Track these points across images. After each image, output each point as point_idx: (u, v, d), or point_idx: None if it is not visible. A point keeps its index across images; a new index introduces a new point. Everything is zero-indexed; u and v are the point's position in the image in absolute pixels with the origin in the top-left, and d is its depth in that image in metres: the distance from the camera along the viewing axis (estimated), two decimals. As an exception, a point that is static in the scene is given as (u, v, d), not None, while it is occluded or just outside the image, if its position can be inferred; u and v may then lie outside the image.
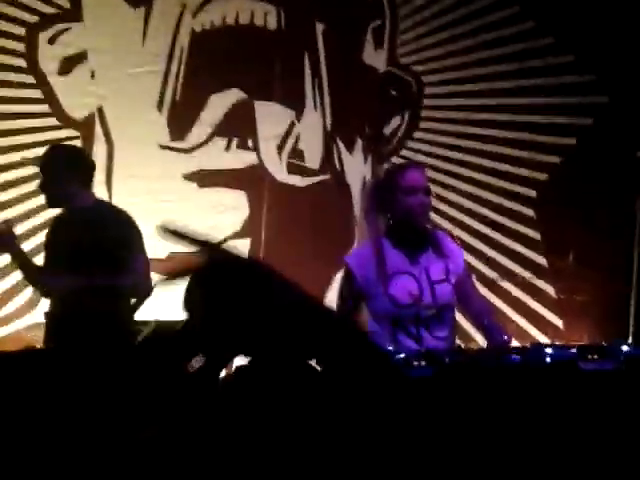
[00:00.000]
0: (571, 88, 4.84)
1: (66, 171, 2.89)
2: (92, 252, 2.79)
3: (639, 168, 4.99)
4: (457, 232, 4.51)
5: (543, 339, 4.84)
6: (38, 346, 2.97)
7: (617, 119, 4.96)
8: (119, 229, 2.88)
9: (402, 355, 2.39)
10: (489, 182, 4.71)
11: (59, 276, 2.88)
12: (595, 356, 2.59)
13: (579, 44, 4.80)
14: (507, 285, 4.73)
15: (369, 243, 2.64)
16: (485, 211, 4.71)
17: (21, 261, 2.94)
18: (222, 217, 4.07)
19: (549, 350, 2.59)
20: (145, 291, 2.87)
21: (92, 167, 3.02)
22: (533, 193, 4.78)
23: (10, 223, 2.96)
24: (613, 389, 2.78)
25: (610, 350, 2.86)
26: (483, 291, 4.51)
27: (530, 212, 4.79)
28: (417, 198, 2.54)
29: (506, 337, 2.68)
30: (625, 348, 2.83)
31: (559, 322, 4.88)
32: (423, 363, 2.46)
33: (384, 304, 2.57)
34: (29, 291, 3.49)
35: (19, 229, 3.24)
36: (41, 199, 3.38)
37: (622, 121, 4.98)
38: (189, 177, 4.00)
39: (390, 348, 2.48)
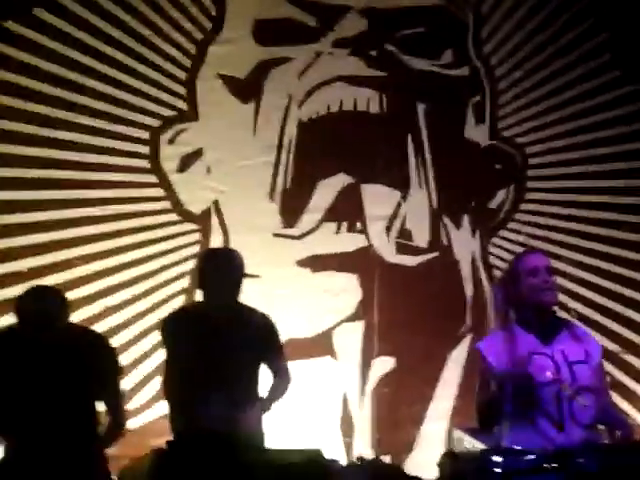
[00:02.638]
0: None
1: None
2: None
3: None
4: (573, 304, 4.31)
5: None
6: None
7: None
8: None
9: (532, 456, 2.21)
10: (602, 250, 4.50)
11: None
12: None
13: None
14: (631, 358, 4.47)
15: (500, 329, 2.58)
16: (601, 280, 4.47)
17: None
18: (335, 300, 4.04)
19: None
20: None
21: None
22: None
23: None
24: None
25: None
26: (606, 365, 4.28)
27: (647, 279, 4.56)
28: (540, 277, 2.51)
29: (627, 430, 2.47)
30: None
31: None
32: (554, 465, 2.20)
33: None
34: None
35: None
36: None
37: None
38: (302, 263, 4.00)
39: (519, 447, 2.32)
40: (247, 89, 3.98)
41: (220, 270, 2.78)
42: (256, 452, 2.42)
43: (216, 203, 3.95)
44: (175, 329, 2.82)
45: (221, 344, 2.71)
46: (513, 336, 2.50)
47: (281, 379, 2.88)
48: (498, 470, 2.18)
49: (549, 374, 2.45)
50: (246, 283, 3.95)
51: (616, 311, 4.45)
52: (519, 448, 2.33)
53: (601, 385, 2.60)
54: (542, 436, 2.43)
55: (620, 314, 4.46)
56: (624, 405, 4.39)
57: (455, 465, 2.33)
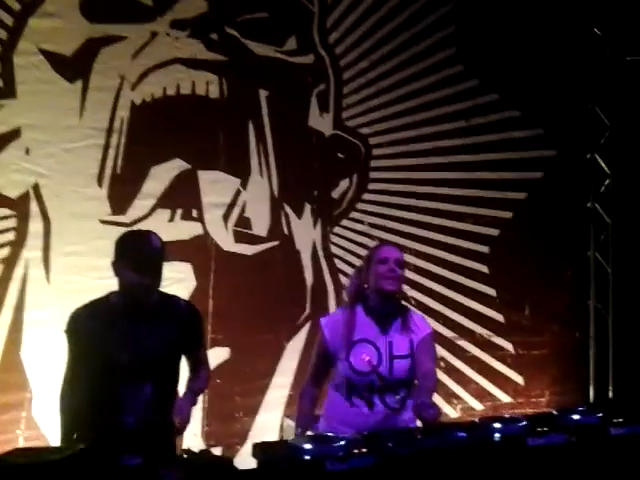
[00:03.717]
0: (519, 143, 4.67)
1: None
2: None
3: (590, 219, 4.96)
4: (411, 292, 4.37)
5: (503, 397, 4.70)
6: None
7: (566, 172, 4.89)
8: None
9: (343, 442, 2.24)
10: (441, 240, 4.48)
11: None
12: (545, 429, 2.47)
13: (524, 100, 4.75)
14: (465, 344, 4.58)
15: (344, 309, 2.78)
16: (438, 269, 4.52)
17: None
18: (168, 290, 3.87)
19: (497, 425, 2.43)
20: None
21: None
22: (486, 249, 4.56)
23: None
24: (562, 463, 2.64)
25: (560, 420, 2.54)
26: (440, 351, 4.38)
27: (484, 268, 4.62)
28: (387, 266, 2.68)
29: (431, 411, 2.52)
30: (576, 417, 2.53)
31: (519, 378, 4.68)
32: (364, 450, 2.27)
33: (344, 367, 2.66)
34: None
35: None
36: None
37: (571, 173, 4.93)
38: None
39: (331, 433, 2.38)
40: (73, 67, 3.64)
41: (142, 254, 2.45)
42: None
43: (36, 187, 3.61)
44: (89, 325, 2.48)
45: (144, 337, 2.48)
46: (353, 318, 2.69)
47: (204, 370, 2.70)
48: (308, 457, 2.16)
49: (368, 364, 2.61)
50: (68, 272, 3.81)
51: (452, 299, 4.54)
52: (330, 434, 2.35)
53: (425, 362, 2.69)
54: (354, 412, 2.66)
55: (456, 301, 4.57)
56: (457, 388, 4.54)
57: (266, 455, 2.32)
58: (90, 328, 2.47)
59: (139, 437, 2.45)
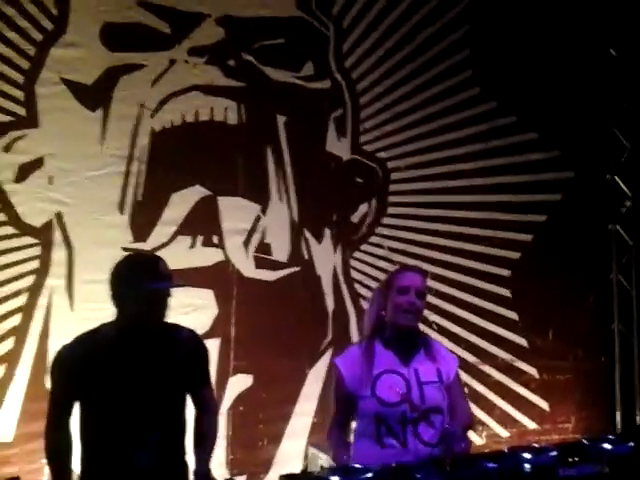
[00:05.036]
0: (537, 165, 4.65)
1: None
2: None
3: (611, 241, 4.96)
4: (433, 317, 4.39)
5: (529, 423, 4.67)
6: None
7: (585, 193, 4.91)
8: None
9: (370, 474, 2.17)
10: (461, 264, 4.44)
11: None
12: (576, 458, 2.38)
13: (541, 122, 4.75)
14: (488, 369, 4.54)
15: (360, 343, 2.61)
16: (459, 293, 4.50)
17: None
18: (191, 317, 3.87)
19: (527, 455, 2.35)
20: None
21: None
22: (507, 272, 4.56)
23: None
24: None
25: (592, 450, 2.47)
26: (463, 376, 4.37)
27: (506, 292, 4.57)
28: (408, 297, 2.52)
29: (463, 445, 2.48)
30: (607, 446, 2.44)
31: (544, 404, 4.63)
32: None
33: (371, 403, 2.47)
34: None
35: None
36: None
37: (590, 195, 4.95)
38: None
39: (357, 465, 2.27)
40: (94, 96, 3.72)
41: (145, 280, 2.23)
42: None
43: (59, 215, 3.67)
44: (83, 362, 2.23)
45: (147, 378, 2.25)
46: (372, 351, 2.51)
47: (210, 412, 2.44)
48: None
49: (398, 393, 2.45)
50: (92, 300, 3.84)
51: (474, 323, 4.54)
52: (359, 466, 2.25)
53: (457, 399, 2.59)
54: (387, 453, 2.43)
55: (478, 326, 4.57)
56: (481, 414, 4.52)
57: None
58: (80, 368, 2.24)
59: (154, 471, 2.27)
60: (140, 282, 2.24)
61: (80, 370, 2.24)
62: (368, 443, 2.49)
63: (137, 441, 2.24)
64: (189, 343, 2.38)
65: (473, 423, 2.75)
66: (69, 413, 2.34)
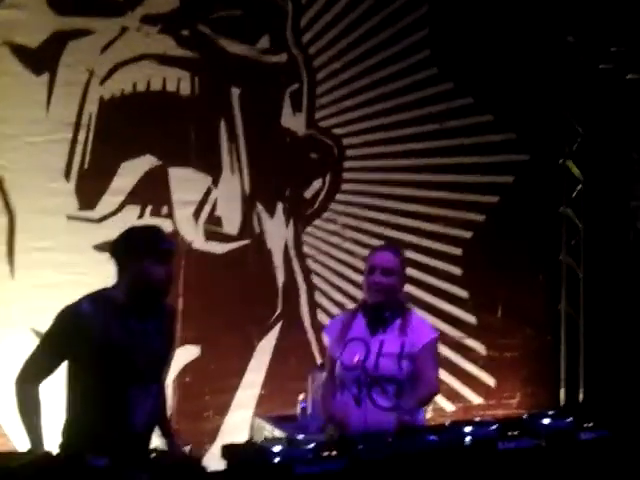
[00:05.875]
0: (491, 147, 4.63)
1: None
2: None
3: (562, 223, 4.89)
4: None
5: (474, 398, 4.60)
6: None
7: (538, 176, 4.84)
8: None
9: (312, 445, 2.23)
10: (414, 242, 4.44)
11: None
12: (515, 433, 2.46)
13: (498, 104, 4.69)
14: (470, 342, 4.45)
15: (348, 311, 2.92)
16: (411, 271, 4.45)
17: None
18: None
19: (468, 429, 2.41)
20: None
21: None
22: (459, 251, 4.52)
23: None
24: (532, 467, 2.56)
25: (531, 425, 2.53)
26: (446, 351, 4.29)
27: (457, 270, 4.57)
28: (373, 277, 2.70)
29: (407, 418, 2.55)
30: (547, 421, 2.52)
31: (491, 381, 4.61)
32: (334, 453, 2.24)
33: (338, 365, 2.73)
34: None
35: None
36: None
37: (543, 178, 4.87)
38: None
39: (301, 436, 2.49)
40: (39, 60, 3.54)
41: (167, 247, 2.39)
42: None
43: (0, 181, 3.53)
44: (97, 322, 2.26)
45: (152, 337, 2.36)
46: (351, 320, 2.75)
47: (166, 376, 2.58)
48: (277, 460, 2.13)
49: (356, 360, 2.64)
50: (34, 268, 3.66)
51: (425, 300, 4.37)
52: (301, 437, 2.42)
53: (422, 369, 2.68)
54: (344, 409, 2.68)
55: (429, 303, 4.43)
56: (464, 390, 4.40)
57: (235, 456, 2.24)
58: (98, 325, 2.26)
59: (146, 439, 2.37)
60: (156, 244, 2.34)
61: (94, 327, 2.25)
62: (339, 396, 2.76)
63: (141, 395, 2.32)
64: (169, 309, 2.53)
65: (437, 391, 2.90)
66: (51, 371, 2.33)
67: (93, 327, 2.24)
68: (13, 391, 2.32)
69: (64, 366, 2.34)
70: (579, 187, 4.85)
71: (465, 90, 4.60)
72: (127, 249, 2.32)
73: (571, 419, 2.56)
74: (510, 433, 2.45)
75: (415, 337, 2.67)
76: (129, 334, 2.28)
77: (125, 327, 2.28)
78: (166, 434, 2.52)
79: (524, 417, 2.62)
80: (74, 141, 3.69)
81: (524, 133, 4.74)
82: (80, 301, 2.30)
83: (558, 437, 2.49)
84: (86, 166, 3.71)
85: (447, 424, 2.53)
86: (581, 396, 4.62)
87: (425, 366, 2.67)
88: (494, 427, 2.44)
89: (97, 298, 2.31)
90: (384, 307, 2.71)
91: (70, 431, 2.34)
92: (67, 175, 3.68)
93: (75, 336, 2.24)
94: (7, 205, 3.55)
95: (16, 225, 3.57)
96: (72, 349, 2.26)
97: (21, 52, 3.55)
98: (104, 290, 2.34)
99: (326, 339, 2.84)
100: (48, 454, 2.05)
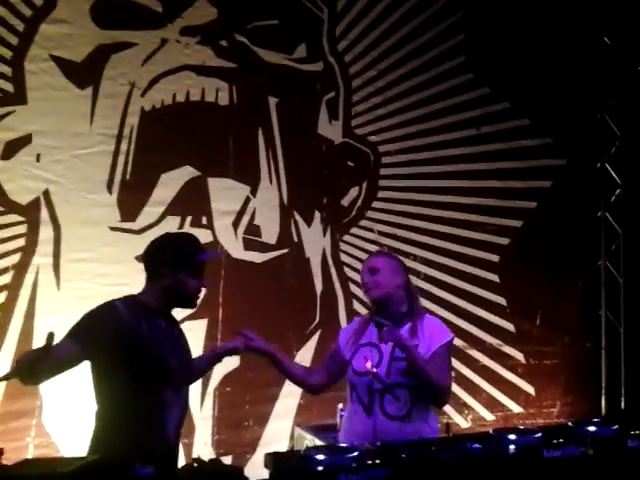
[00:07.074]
0: (529, 152, 4.60)
1: None
2: None
3: (600, 228, 4.86)
4: (421, 301, 4.29)
5: (514, 407, 4.59)
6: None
7: (576, 180, 4.82)
8: None
9: (356, 453, 2.19)
10: (450, 248, 4.42)
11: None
12: (560, 440, 2.39)
13: (534, 108, 4.68)
14: (475, 353, 4.48)
15: (362, 316, 2.81)
16: (448, 278, 4.44)
17: None
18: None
19: (512, 437, 2.36)
20: None
21: None
22: (496, 258, 4.52)
23: None
24: (578, 476, 2.55)
25: (576, 432, 2.49)
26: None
27: (494, 277, 4.55)
28: (364, 278, 2.70)
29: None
30: (592, 429, 2.47)
31: (530, 388, 4.60)
32: (377, 461, 2.23)
33: (349, 370, 2.66)
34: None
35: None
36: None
37: (581, 182, 4.85)
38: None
39: (344, 444, 2.36)
40: (83, 74, 3.61)
41: (200, 258, 2.35)
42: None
43: (46, 193, 3.57)
44: (132, 322, 2.21)
45: (182, 341, 2.37)
46: (365, 325, 2.70)
47: None
48: (321, 468, 2.10)
49: (368, 365, 2.58)
50: (78, 279, 3.73)
51: (462, 308, 4.44)
52: (344, 445, 2.30)
53: (433, 363, 2.58)
54: (354, 418, 2.61)
55: (466, 310, 4.47)
56: (467, 398, 4.43)
57: (279, 465, 2.24)
58: (131, 322, 2.21)
59: (176, 446, 2.35)
60: (192, 256, 2.32)
61: (127, 322, 2.21)
62: (349, 404, 2.68)
63: (174, 399, 2.29)
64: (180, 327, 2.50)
65: (446, 385, 2.64)
66: (69, 366, 2.18)
67: (126, 322, 2.21)
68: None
69: (90, 376, 2.27)
70: (618, 191, 4.82)
71: (501, 95, 4.59)
72: (163, 259, 2.28)
73: (617, 426, 2.51)
74: (555, 441, 2.39)
75: (427, 340, 2.61)
76: (159, 335, 2.26)
77: (155, 328, 2.26)
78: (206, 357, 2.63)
79: (569, 424, 2.56)
80: (116, 153, 3.74)
81: (561, 137, 4.72)
82: (112, 300, 2.29)
83: (605, 445, 2.43)
84: (128, 177, 3.77)
85: (491, 432, 2.49)
86: (623, 404, 4.59)
87: (438, 368, 2.58)
88: (539, 435, 2.40)
89: (128, 299, 2.30)
90: (384, 307, 2.65)
91: (103, 438, 2.27)
92: (109, 187, 3.73)
93: (108, 327, 2.19)
94: (53, 217, 3.61)
95: (61, 237, 3.63)
96: (105, 341, 2.19)
97: (66, 66, 3.61)
98: (133, 296, 2.33)
99: (338, 343, 2.74)
100: (96, 460, 2.03)
